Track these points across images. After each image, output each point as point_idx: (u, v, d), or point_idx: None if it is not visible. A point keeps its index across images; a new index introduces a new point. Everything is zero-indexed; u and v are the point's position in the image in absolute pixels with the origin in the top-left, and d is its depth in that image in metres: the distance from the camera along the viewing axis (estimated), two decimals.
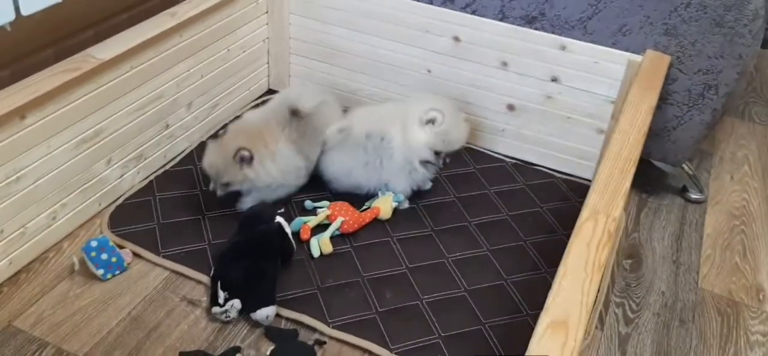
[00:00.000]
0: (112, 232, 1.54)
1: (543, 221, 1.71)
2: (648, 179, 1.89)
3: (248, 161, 1.50)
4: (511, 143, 1.95)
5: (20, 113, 1.31)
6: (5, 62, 1.41)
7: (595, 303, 1.40)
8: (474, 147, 1.96)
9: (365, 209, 1.61)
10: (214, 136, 1.59)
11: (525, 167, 1.89)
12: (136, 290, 1.41)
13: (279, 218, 1.45)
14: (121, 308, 1.37)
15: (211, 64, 1.83)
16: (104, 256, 1.39)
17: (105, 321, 1.34)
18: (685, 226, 1.76)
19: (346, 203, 1.61)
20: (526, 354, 0.91)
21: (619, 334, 1.44)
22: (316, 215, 1.58)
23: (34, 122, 1.35)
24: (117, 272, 1.42)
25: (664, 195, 1.87)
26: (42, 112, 1.36)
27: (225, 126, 1.61)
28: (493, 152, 1.95)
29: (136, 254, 1.49)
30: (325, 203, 1.62)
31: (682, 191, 1.89)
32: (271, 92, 2.14)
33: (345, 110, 1.79)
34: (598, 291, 1.45)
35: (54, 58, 1.49)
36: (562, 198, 1.78)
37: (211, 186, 1.55)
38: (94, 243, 1.38)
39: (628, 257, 1.65)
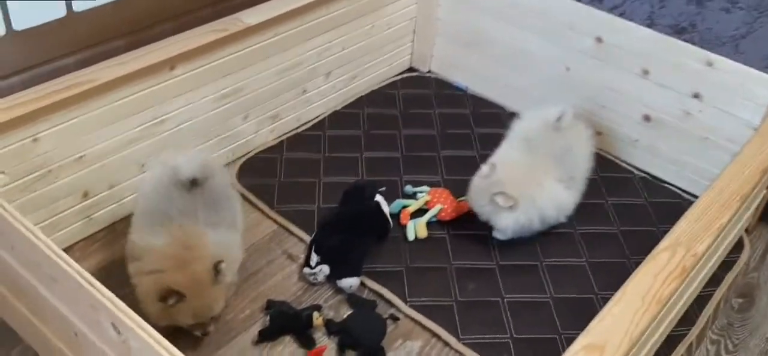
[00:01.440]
0: (239, 182, 1.72)
1: (655, 241, 1.64)
2: None
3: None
4: (642, 155, 1.88)
5: (170, 63, 1.49)
6: (166, 18, 1.61)
7: (685, 336, 1.36)
8: (603, 153, 1.91)
9: (464, 199, 1.65)
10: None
11: (653, 184, 1.82)
12: (247, 237, 1.57)
13: (379, 197, 1.53)
14: None
15: (353, 38, 1.94)
16: None
17: None
18: None
19: (447, 191, 1.66)
20: None
21: None
22: (416, 199, 1.65)
23: (182, 73, 1.53)
24: None
25: None
26: (190, 65, 1.54)
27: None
28: (622, 161, 1.90)
29: (252, 204, 1.64)
30: (426, 188, 1.68)
31: None
32: (411, 70, 2.22)
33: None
34: (694, 324, 1.40)
35: (212, 16, 1.67)
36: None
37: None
38: None
39: (740, 295, 1.55)
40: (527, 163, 1.55)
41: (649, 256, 1.11)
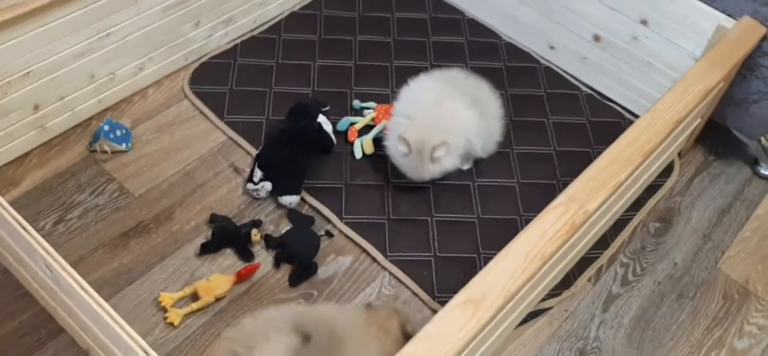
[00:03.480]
0: (191, 87, 1.77)
1: (587, 162, 1.72)
2: (722, 141, 1.82)
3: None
4: (590, 73, 1.93)
5: None
6: None
7: (597, 259, 1.47)
8: (554, 68, 1.96)
9: None
10: None
11: (597, 101, 1.88)
12: (196, 147, 1.65)
13: (321, 117, 1.60)
14: (180, 161, 1.62)
15: None
16: (118, 132, 1.58)
17: (163, 170, 1.59)
18: (736, 201, 1.72)
19: (392, 107, 1.72)
20: (432, 319, 1.03)
21: (609, 292, 1.50)
22: (363, 116, 1.71)
23: None
24: (131, 138, 1.61)
25: (733, 162, 1.81)
26: None
27: None
28: (571, 76, 1.95)
29: (203, 114, 1.71)
30: (373, 104, 1.75)
31: (754, 164, 1.81)
32: None
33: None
34: (607, 246, 1.51)
35: None
36: None
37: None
38: (106, 127, 1.55)
39: (659, 219, 1.66)
40: (439, 95, 1.56)
41: (544, 210, 1.19)
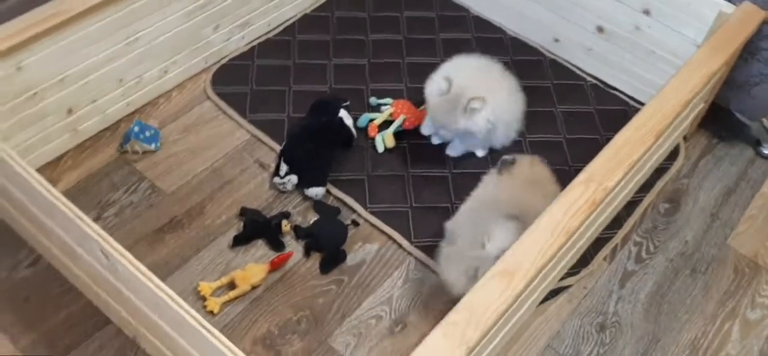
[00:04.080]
0: (213, 89, 1.83)
1: (598, 150, 1.79)
2: (725, 125, 1.90)
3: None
4: (595, 63, 2.00)
5: None
6: None
7: (611, 239, 1.54)
8: (558, 60, 2.03)
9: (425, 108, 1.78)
10: None
11: (602, 90, 1.95)
12: (222, 145, 1.71)
13: (342, 112, 1.67)
14: (207, 159, 1.68)
15: None
16: (148, 133, 1.64)
17: (192, 168, 1.65)
18: (742, 181, 1.79)
19: (408, 102, 1.79)
20: (471, 290, 1.10)
21: (624, 270, 1.57)
22: (381, 112, 1.78)
23: None
24: (159, 138, 1.67)
25: (736, 144, 1.88)
26: None
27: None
28: (576, 67, 2.02)
29: (226, 114, 1.77)
30: (389, 100, 1.81)
31: (756, 144, 1.89)
32: None
33: None
34: (620, 227, 1.58)
35: None
36: None
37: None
38: (136, 129, 1.62)
39: (668, 201, 1.73)
40: (480, 67, 1.67)
41: (567, 188, 1.26)
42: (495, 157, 1.73)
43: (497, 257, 1.16)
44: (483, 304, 1.07)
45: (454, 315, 1.07)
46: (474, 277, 1.25)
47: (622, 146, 1.35)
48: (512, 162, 1.49)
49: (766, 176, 1.81)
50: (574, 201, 1.24)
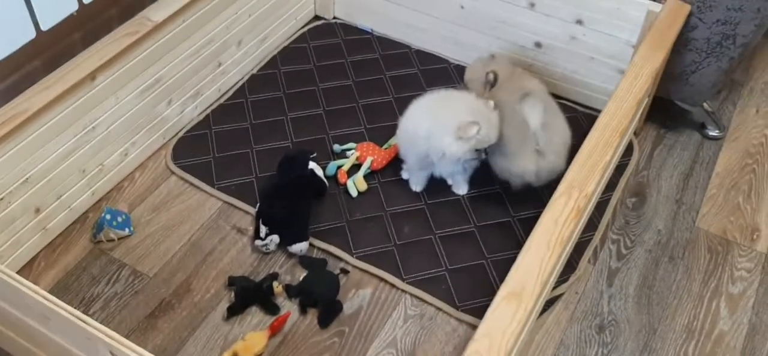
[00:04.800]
0: (175, 163, 1.81)
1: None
2: (669, 115, 2.00)
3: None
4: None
5: (91, 75, 1.55)
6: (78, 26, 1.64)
7: (591, 241, 1.60)
8: None
9: (388, 146, 1.81)
10: None
11: None
12: (195, 218, 1.68)
13: (312, 164, 1.67)
14: (183, 234, 1.65)
15: (258, 3, 2.01)
16: (120, 218, 1.61)
17: (170, 246, 1.62)
18: (696, 165, 1.89)
19: (372, 143, 1.81)
20: (483, 318, 1.12)
21: (609, 268, 1.63)
22: (347, 157, 1.79)
23: (103, 80, 1.59)
24: (131, 222, 1.64)
25: (683, 131, 1.99)
26: (109, 71, 1.59)
27: None
28: None
29: (194, 186, 1.75)
30: (352, 144, 1.83)
31: (701, 128, 2.00)
32: (317, 18, 2.30)
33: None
34: (596, 229, 1.64)
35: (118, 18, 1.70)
36: (582, 134, 1.90)
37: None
38: (108, 217, 1.58)
39: (634, 195, 1.80)
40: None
41: (550, 202, 1.31)
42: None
43: (543, 126, 1.58)
44: (499, 329, 1.10)
45: (475, 345, 1.09)
46: (539, 152, 1.60)
47: (592, 151, 1.41)
48: (495, 79, 1.68)
49: (716, 155, 1.91)
50: (560, 212, 1.28)
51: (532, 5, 1.94)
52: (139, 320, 1.46)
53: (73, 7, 1.56)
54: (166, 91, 1.78)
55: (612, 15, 1.85)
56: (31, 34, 1.49)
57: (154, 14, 1.65)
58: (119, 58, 1.59)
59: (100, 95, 1.58)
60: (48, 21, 1.51)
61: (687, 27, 1.82)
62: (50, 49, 1.55)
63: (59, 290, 1.51)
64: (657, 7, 1.79)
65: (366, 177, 1.76)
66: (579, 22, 1.91)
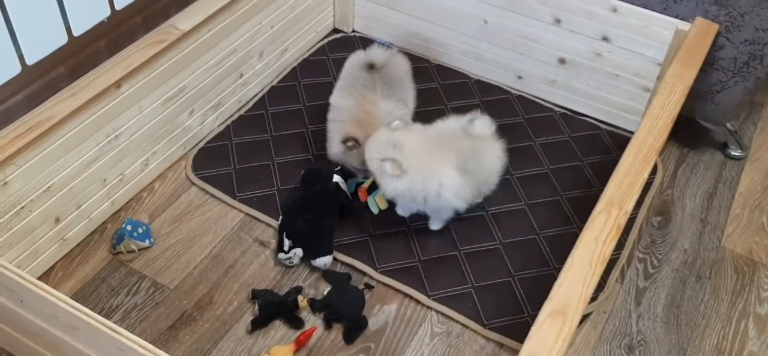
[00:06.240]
0: (195, 174, 1.78)
1: (582, 175, 1.85)
2: (691, 133, 1.98)
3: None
4: (561, 93, 2.06)
5: (117, 84, 1.53)
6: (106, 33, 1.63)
7: (618, 260, 1.57)
8: (525, 95, 2.08)
9: None
10: None
11: (572, 118, 2.01)
12: (217, 230, 1.66)
13: (336, 177, 1.65)
14: (204, 246, 1.62)
15: (280, 15, 2.00)
16: (140, 229, 1.59)
17: (191, 258, 1.59)
18: (719, 184, 1.87)
19: None
20: (528, 337, 1.09)
21: (637, 287, 1.61)
22: (367, 175, 1.77)
23: (128, 89, 1.57)
24: (151, 233, 1.61)
25: (705, 150, 1.97)
26: (134, 79, 1.57)
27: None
28: (542, 100, 2.07)
29: (215, 197, 1.72)
30: None
31: (723, 147, 1.98)
32: (336, 31, 2.29)
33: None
34: (623, 247, 1.62)
35: (143, 25, 1.69)
36: (605, 151, 1.91)
37: None
38: (129, 228, 1.55)
39: (658, 214, 1.78)
40: (431, 144, 1.57)
41: (589, 219, 1.29)
42: (489, 195, 1.75)
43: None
44: (545, 349, 1.07)
45: None
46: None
47: (630, 169, 1.39)
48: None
49: (739, 175, 1.89)
50: (601, 229, 1.26)
51: (558, 21, 1.93)
52: (160, 331, 1.43)
53: (105, 12, 1.54)
54: (188, 101, 1.76)
55: (639, 32, 1.83)
56: (64, 39, 1.47)
57: (181, 23, 1.64)
58: (145, 67, 1.57)
59: (124, 104, 1.56)
60: (80, 27, 1.49)
61: (714, 46, 1.81)
62: (76, 56, 1.53)
63: (77, 301, 1.47)
64: (686, 26, 1.77)
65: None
66: (605, 38, 1.90)
